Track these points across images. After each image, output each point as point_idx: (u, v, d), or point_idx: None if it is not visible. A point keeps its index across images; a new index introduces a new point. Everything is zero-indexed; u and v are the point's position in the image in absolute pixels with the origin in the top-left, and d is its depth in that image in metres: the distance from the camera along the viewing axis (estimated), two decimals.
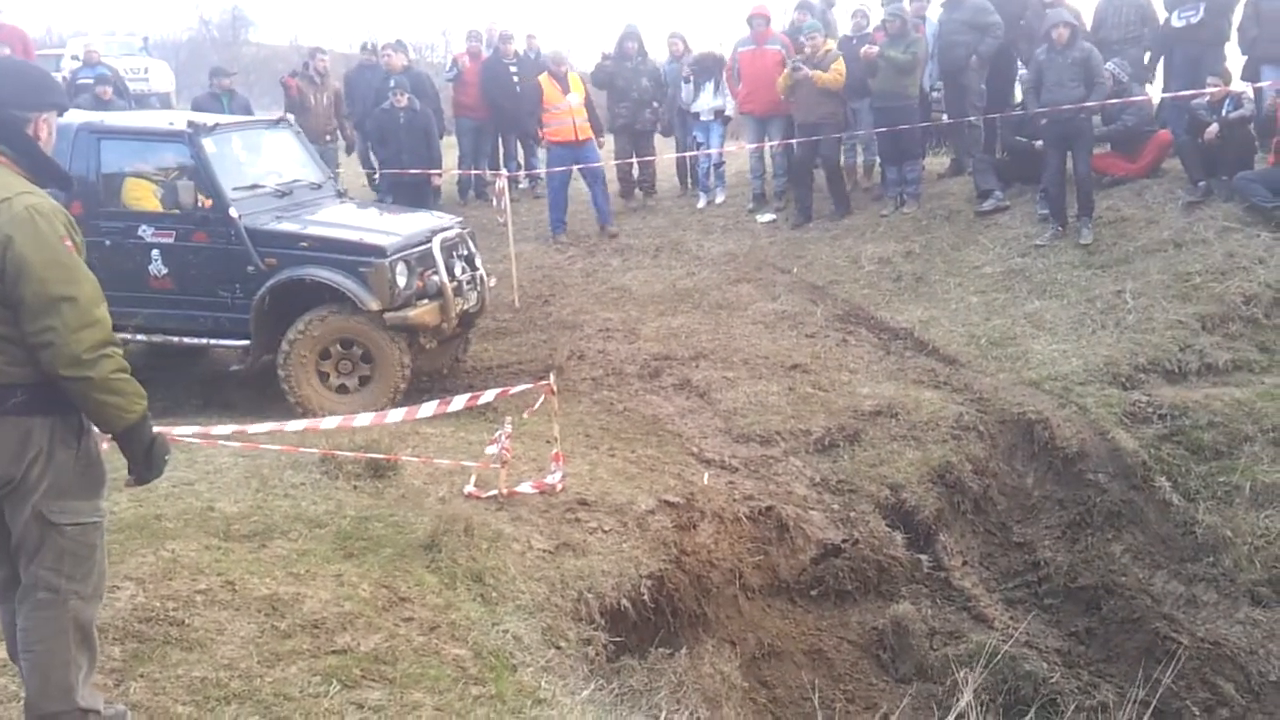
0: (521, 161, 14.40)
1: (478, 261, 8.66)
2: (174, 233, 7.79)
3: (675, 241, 12.05)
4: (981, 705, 5.48)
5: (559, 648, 4.73)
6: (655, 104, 12.95)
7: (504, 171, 13.79)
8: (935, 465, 7.43)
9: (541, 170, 14.27)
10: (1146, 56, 11.23)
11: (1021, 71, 11.58)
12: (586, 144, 12.06)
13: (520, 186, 14.15)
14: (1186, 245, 9.78)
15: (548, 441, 6.35)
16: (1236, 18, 10.71)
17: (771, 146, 12.54)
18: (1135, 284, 9.46)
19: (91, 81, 12.50)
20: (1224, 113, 10.06)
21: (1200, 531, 7.26)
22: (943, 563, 7.01)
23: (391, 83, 12.25)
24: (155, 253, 7.79)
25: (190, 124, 7.87)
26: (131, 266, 7.79)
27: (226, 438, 5.94)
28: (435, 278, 7.98)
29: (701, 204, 13.17)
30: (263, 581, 4.66)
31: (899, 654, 6.30)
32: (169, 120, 8.34)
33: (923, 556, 6.97)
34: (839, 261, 11.10)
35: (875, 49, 11.03)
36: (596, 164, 12.28)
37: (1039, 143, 10.68)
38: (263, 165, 8.47)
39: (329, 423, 6.02)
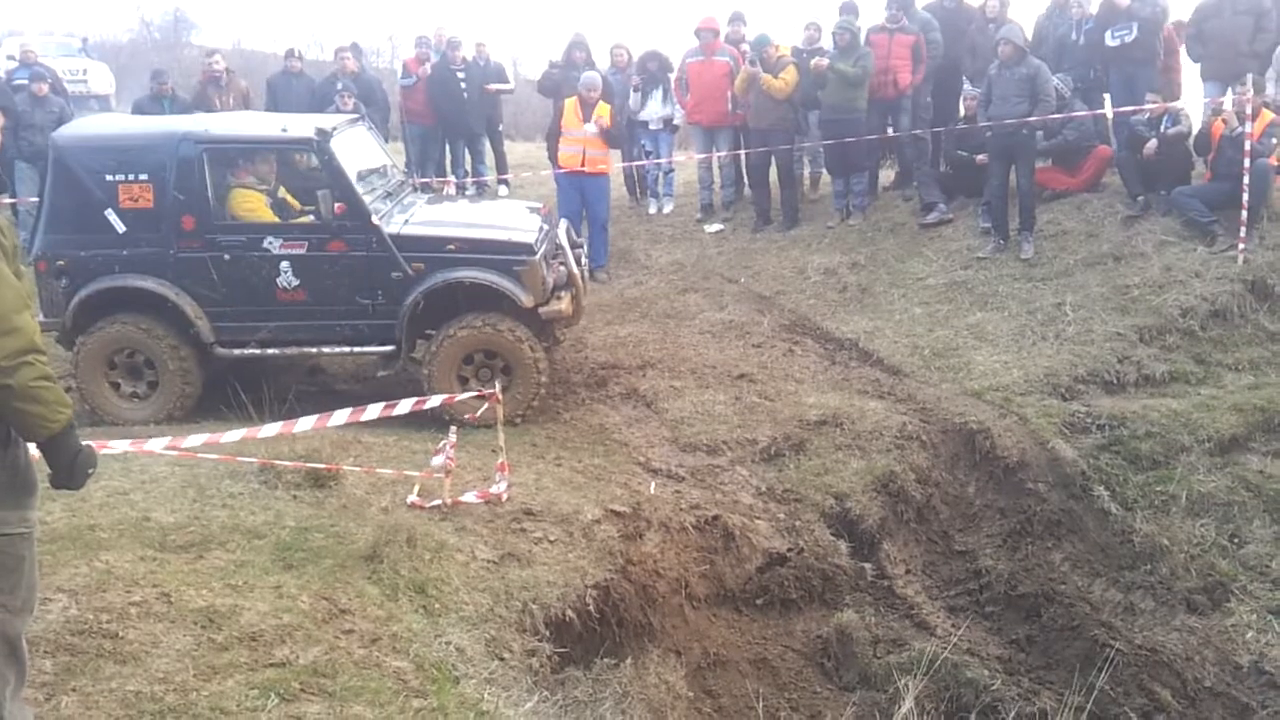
0: (469, 168, 14.32)
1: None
2: (305, 243, 7.52)
3: (623, 250, 12.05)
4: (923, 712, 5.53)
5: (502, 659, 4.69)
6: (618, 116, 12.92)
7: (451, 178, 13.75)
8: (879, 474, 7.49)
9: (489, 177, 14.23)
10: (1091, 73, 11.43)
11: (966, 86, 11.75)
12: (595, 178, 11.22)
13: (467, 193, 14.08)
14: (1125, 259, 9.97)
15: (493, 451, 6.31)
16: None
17: (720, 157, 12.61)
18: (1075, 296, 9.63)
19: (27, 82, 12.22)
20: (1162, 129, 10.27)
21: (1138, 540, 7.40)
22: (886, 571, 7.06)
23: (339, 85, 12.14)
24: (284, 265, 7.52)
25: (318, 130, 7.60)
26: (257, 280, 7.55)
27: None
28: (563, 268, 7.99)
29: (652, 210, 13.19)
30: (199, 593, 4.56)
31: (843, 662, 6.32)
32: (280, 126, 7.98)
33: (867, 565, 7.02)
34: (786, 272, 11.17)
35: (825, 61, 11.13)
36: (600, 204, 11.39)
37: (980, 156, 10.84)
38: (361, 165, 8.13)
39: (269, 429, 5.92)
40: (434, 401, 6.50)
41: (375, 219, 7.51)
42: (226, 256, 7.51)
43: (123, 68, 24.55)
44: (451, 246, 7.60)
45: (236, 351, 7.70)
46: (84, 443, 3.30)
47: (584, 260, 8.60)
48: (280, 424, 5.77)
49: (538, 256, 7.61)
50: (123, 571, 4.69)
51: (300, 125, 7.83)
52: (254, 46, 29.05)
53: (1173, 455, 7.94)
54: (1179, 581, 7.15)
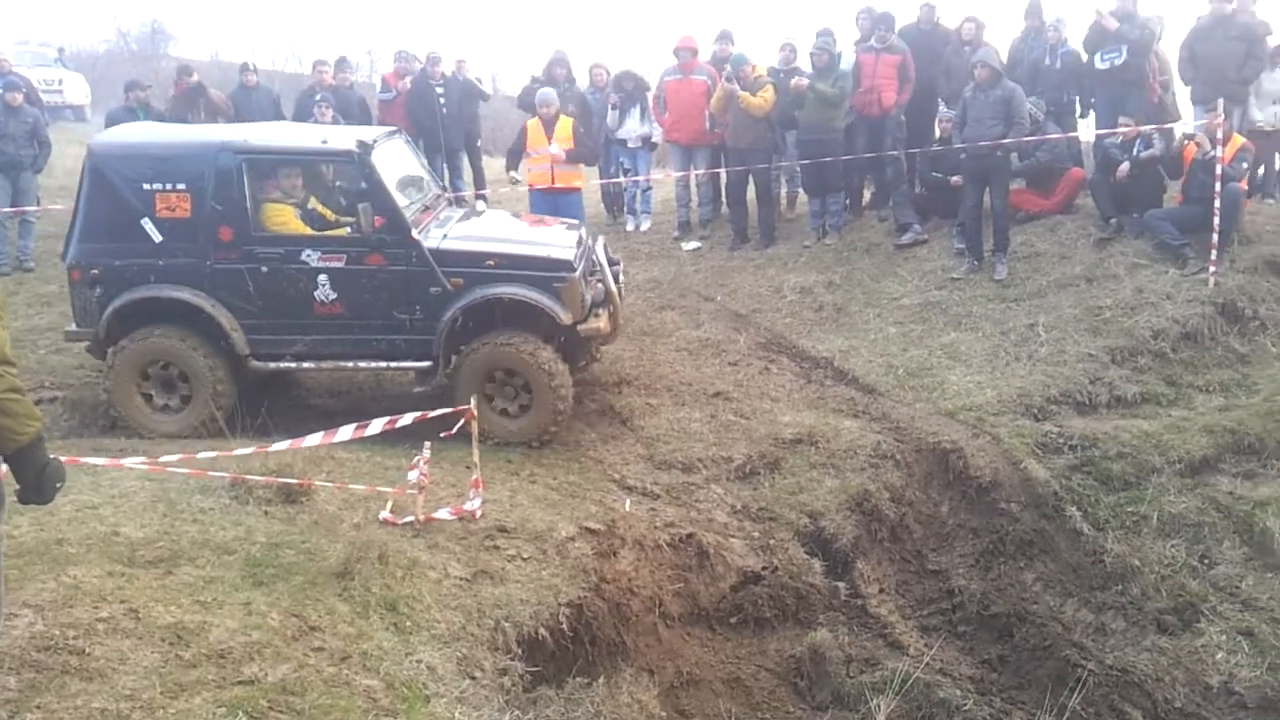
0: (447, 183, 14.30)
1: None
2: (344, 256, 7.43)
3: None
4: None
5: (474, 678, 4.66)
6: (580, 129, 12.95)
7: None
8: (853, 493, 7.51)
9: (467, 192, 14.20)
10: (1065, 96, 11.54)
11: (941, 108, 11.85)
12: (567, 194, 11.05)
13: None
14: (1097, 280, 10.06)
15: (467, 467, 6.29)
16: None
17: (697, 175, 12.65)
18: (1048, 317, 9.70)
19: (0, 91, 12.13)
20: (1135, 152, 10.39)
21: (1109, 560, 7.44)
22: (860, 590, 7.07)
23: (317, 97, 12.12)
24: (322, 278, 7.42)
25: (359, 142, 7.52)
26: (294, 293, 7.46)
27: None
28: (601, 285, 7.97)
29: (630, 228, 13.22)
30: (168, 609, 4.52)
31: (816, 681, 6.31)
32: (321, 138, 7.92)
33: (840, 584, 7.02)
34: (762, 290, 11.20)
35: (805, 81, 11.20)
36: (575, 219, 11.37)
37: (955, 178, 10.93)
38: (399, 178, 8.03)
39: (243, 450, 5.87)
40: (406, 419, 6.47)
41: (415, 233, 7.45)
42: (264, 268, 7.43)
43: (99, 78, 24.42)
44: (491, 262, 7.52)
45: (272, 365, 7.61)
46: (52, 456, 3.27)
47: (621, 278, 8.55)
48: (254, 447, 5.75)
49: (577, 273, 7.57)
50: (90, 587, 4.64)
51: (341, 137, 7.79)
52: (232, 58, 28.91)
53: (1144, 476, 8.00)
54: (1150, 602, 7.19)
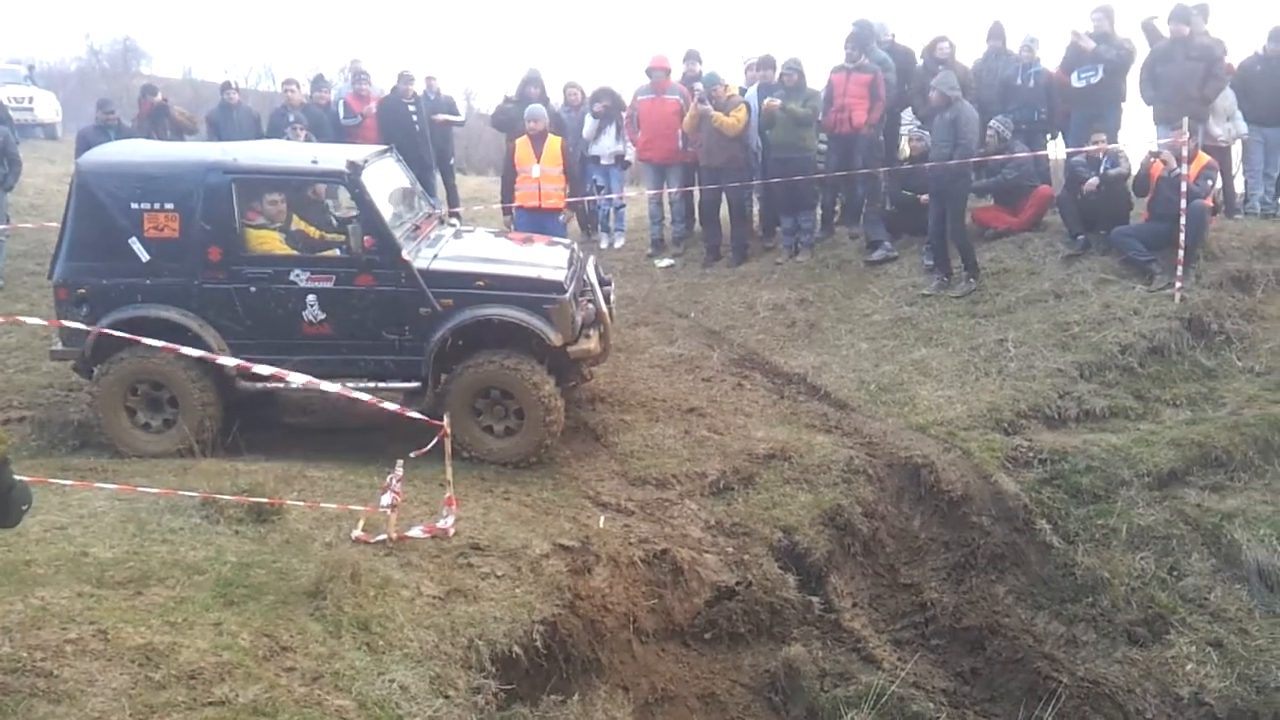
0: None
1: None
2: (333, 276, 7.39)
3: None
4: None
5: (447, 697, 4.66)
6: (570, 148, 12.96)
7: None
8: (826, 508, 7.54)
9: (440, 211, 14.19)
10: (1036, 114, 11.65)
11: (911, 126, 11.98)
12: (552, 215, 11.08)
13: None
14: (1066, 296, 10.17)
15: (441, 485, 6.27)
16: (1131, 78, 11.25)
17: (670, 194, 12.72)
18: (1017, 333, 9.80)
19: None
20: (1102, 169, 10.53)
21: (1079, 573, 7.50)
22: (833, 604, 7.09)
23: (290, 118, 12.09)
24: (311, 298, 7.38)
25: (350, 163, 7.46)
26: (282, 313, 7.41)
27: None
28: (591, 305, 7.95)
29: (604, 245, 13.26)
30: (137, 630, 4.49)
31: (790, 696, 6.33)
32: (311, 158, 7.89)
33: (814, 598, 7.04)
34: (735, 307, 11.26)
35: (778, 101, 11.29)
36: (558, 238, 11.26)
37: (924, 196, 11.07)
38: (389, 199, 7.96)
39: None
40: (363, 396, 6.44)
41: (405, 254, 7.42)
42: (252, 289, 7.39)
43: (70, 96, 24.28)
44: (481, 283, 7.51)
45: (259, 385, 7.54)
46: (18, 478, 3.24)
47: (611, 298, 8.55)
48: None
49: (568, 295, 7.56)
50: (59, 608, 4.60)
51: (331, 157, 7.76)
52: (204, 77, 28.82)
53: (1113, 489, 8.07)
54: (1120, 614, 7.26)
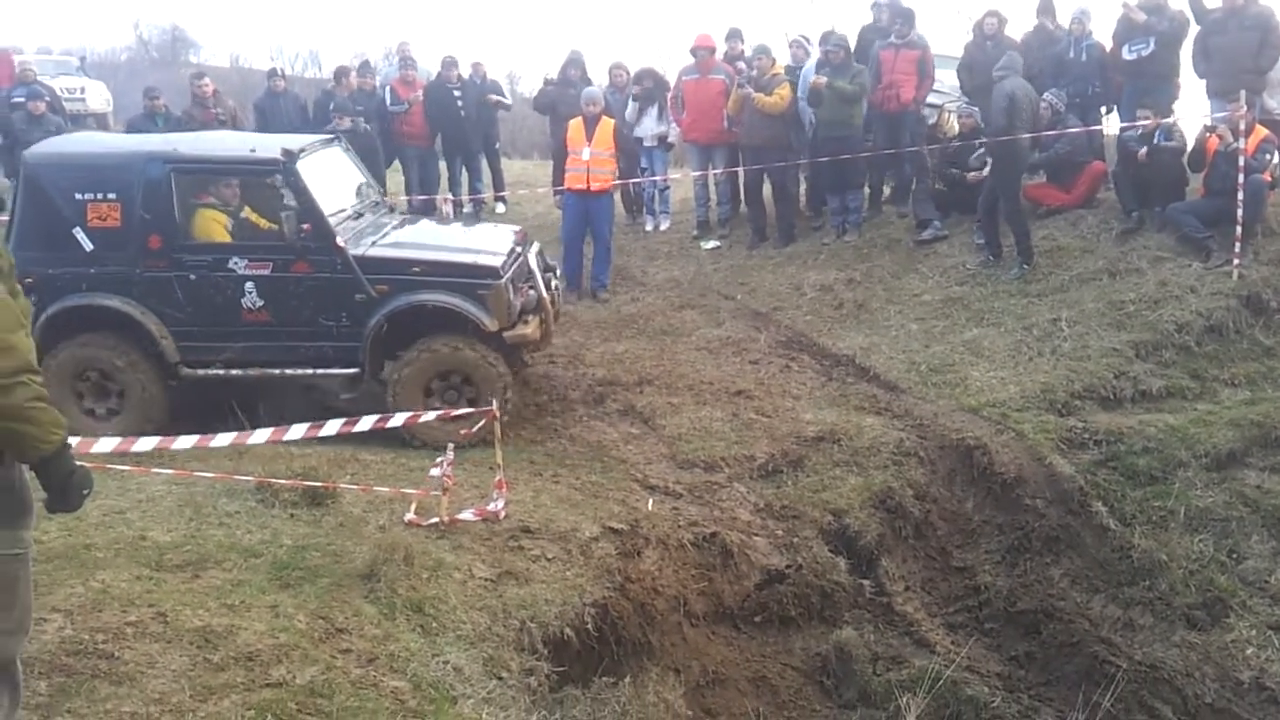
0: (466, 187, 14.33)
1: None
2: (270, 264, 7.47)
3: (620, 267, 12.05)
4: None
5: (501, 679, 4.67)
6: (624, 131, 12.94)
7: (448, 196, 13.75)
8: (877, 491, 7.48)
9: (486, 195, 14.27)
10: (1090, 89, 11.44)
11: (960, 104, 11.81)
12: (599, 198, 11.13)
13: (464, 210, 14.10)
14: (1120, 274, 9.99)
15: (490, 468, 6.30)
16: (1185, 50, 11.00)
17: (715, 174, 12.64)
18: (1071, 312, 9.64)
19: (24, 100, 12.25)
20: (1155, 142, 10.31)
21: (1136, 556, 7.37)
22: (885, 588, 7.04)
23: (331, 106, 12.16)
24: (249, 285, 7.47)
25: (285, 151, 7.55)
26: (222, 300, 7.50)
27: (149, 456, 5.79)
28: (533, 292, 7.99)
29: (649, 227, 13.22)
30: (195, 613, 4.54)
31: (842, 680, 6.30)
32: (250, 147, 8.00)
33: (865, 582, 6.99)
34: (782, 288, 11.18)
35: (824, 79, 11.17)
36: (604, 224, 11.32)
37: (971, 174, 10.91)
38: (332, 187, 8.03)
39: (259, 435, 5.86)
40: (429, 417, 6.51)
41: (340, 240, 7.48)
42: (192, 276, 7.48)
43: (121, 86, 24.58)
44: (416, 269, 7.57)
45: (201, 372, 7.64)
46: (78, 464, 3.28)
47: (555, 285, 8.57)
48: (270, 430, 5.77)
49: (503, 280, 7.56)
50: (119, 591, 4.67)
51: (267, 146, 7.83)
52: (252, 64, 29.09)
53: (1170, 471, 7.93)
54: (1178, 597, 7.14)
